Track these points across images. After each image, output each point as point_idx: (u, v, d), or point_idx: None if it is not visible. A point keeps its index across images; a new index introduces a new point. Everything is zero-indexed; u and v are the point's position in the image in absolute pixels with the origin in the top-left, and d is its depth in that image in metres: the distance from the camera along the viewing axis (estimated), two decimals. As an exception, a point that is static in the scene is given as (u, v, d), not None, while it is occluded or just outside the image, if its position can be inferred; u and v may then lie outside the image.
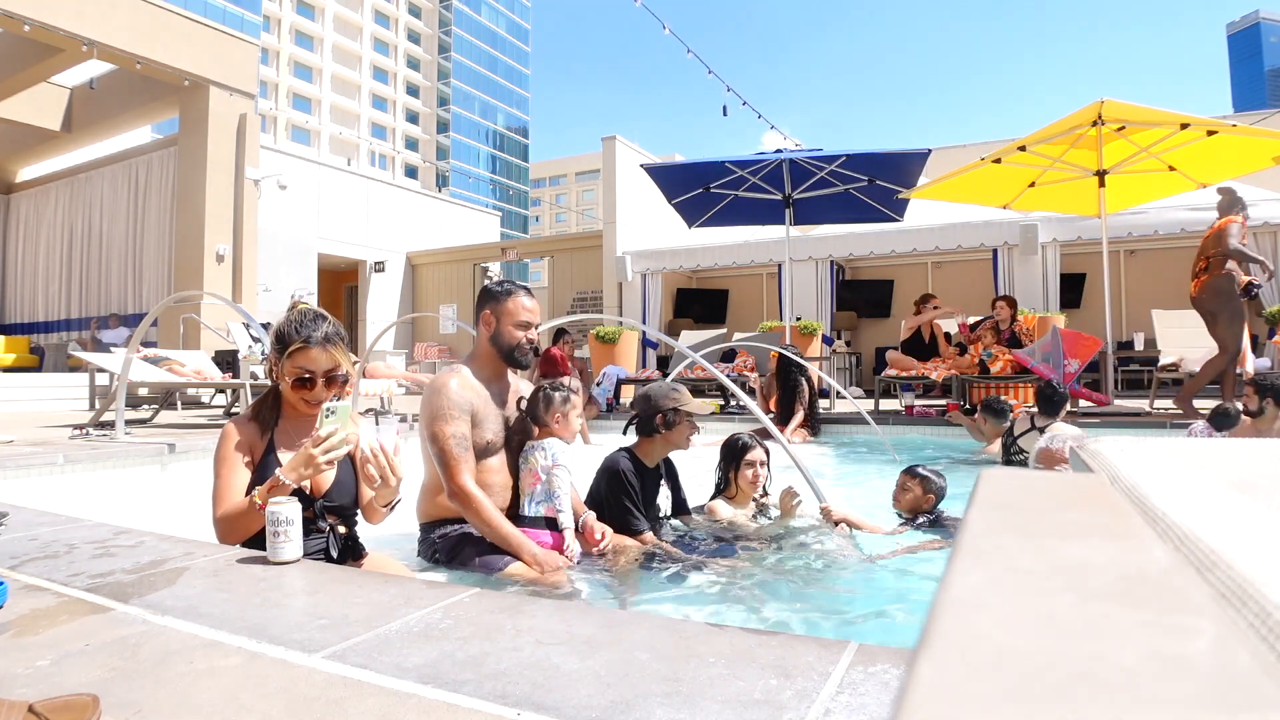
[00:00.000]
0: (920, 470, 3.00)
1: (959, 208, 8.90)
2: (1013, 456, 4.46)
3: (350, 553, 1.98)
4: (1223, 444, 0.71)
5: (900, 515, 2.99)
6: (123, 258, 12.40)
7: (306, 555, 1.73)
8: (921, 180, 7.37)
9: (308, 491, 1.91)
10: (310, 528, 1.89)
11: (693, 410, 2.66)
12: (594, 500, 2.63)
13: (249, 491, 1.83)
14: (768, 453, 3.02)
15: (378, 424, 2.00)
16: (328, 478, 1.94)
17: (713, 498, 3.04)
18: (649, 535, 2.55)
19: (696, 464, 3.31)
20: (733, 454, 3.00)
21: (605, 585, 2.27)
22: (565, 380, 5.79)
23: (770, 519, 3.00)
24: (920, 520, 2.89)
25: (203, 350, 8.35)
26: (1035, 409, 4.53)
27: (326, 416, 1.79)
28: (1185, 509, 0.43)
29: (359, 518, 2.03)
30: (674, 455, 2.83)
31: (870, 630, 1.95)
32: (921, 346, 7.45)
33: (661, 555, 2.45)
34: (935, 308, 7.49)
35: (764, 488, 3.01)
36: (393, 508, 1.96)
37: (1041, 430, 4.36)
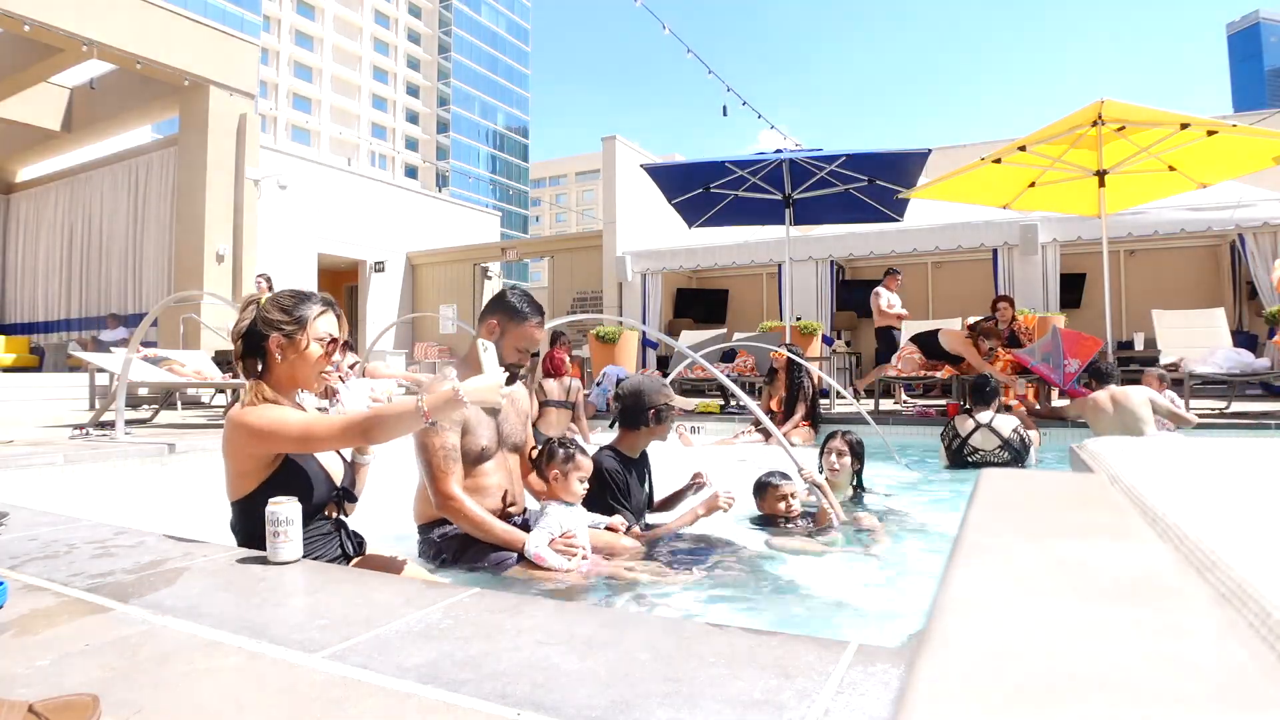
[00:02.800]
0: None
1: (959, 208, 8.90)
2: (966, 457, 4.39)
3: (357, 550, 1.99)
4: (1222, 444, 0.71)
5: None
6: (123, 258, 12.40)
7: (324, 559, 1.73)
8: (921, 180, 7.37)
9: (344, 485, 1.95)
10: (327, 525, 1.90)
11: (679, 406, 2.70)
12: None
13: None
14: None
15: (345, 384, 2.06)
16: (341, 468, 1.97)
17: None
18: (635, 530, 2.57)
19: (693, 464, 3.30)
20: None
21: (605, 585, 2.27)
22: (567, 381, 5.80)
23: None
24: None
25: (203, 350, 8.34)
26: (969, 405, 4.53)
27: (484, 352, 1.91)
28: (1185, 509, 0.43)
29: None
30: (679, 454, 2.84)
31: (870, 630, 1.95)
32: (941, 353, 7.03)
33: (660, 554, 2.45)
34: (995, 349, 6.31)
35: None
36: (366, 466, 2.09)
37: (981, 425, 4.36)
